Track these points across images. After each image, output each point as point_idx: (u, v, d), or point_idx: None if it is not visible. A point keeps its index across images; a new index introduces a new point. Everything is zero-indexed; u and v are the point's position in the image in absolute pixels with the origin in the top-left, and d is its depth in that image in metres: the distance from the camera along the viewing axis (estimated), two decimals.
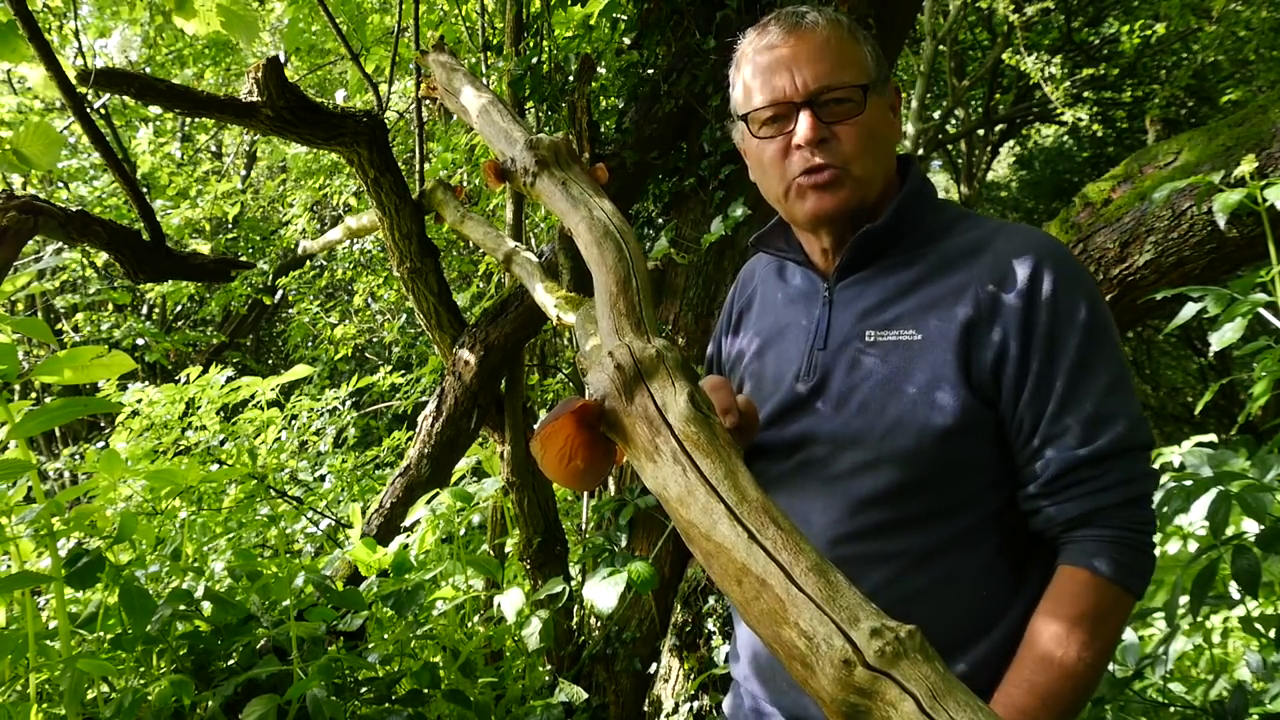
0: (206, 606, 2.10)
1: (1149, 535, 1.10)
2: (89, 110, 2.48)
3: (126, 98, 4.21)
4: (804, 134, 1.16)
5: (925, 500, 1.13)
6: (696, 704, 2.50)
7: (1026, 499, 1.12)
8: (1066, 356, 1.09)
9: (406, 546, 2.31)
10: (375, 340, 7.83)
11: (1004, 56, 8.72)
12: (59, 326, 7.26)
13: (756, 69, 1.21)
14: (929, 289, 1.16)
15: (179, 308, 8.98)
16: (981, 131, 11.07)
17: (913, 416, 1.11)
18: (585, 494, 3.92)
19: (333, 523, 3.50)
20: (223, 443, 3.97)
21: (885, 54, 3.41)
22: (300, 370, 3.52)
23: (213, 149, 10.17)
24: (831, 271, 1.24)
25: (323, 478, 4.82)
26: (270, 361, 10.79)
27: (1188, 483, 1.75)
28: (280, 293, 7.54)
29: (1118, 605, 1.07)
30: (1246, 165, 1.86)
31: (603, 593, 2.03)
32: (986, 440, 1.13)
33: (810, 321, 1.24)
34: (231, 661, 2.08)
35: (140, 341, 7.04)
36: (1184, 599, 1.75)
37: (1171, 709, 2.20)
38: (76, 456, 5.23)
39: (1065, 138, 11.83)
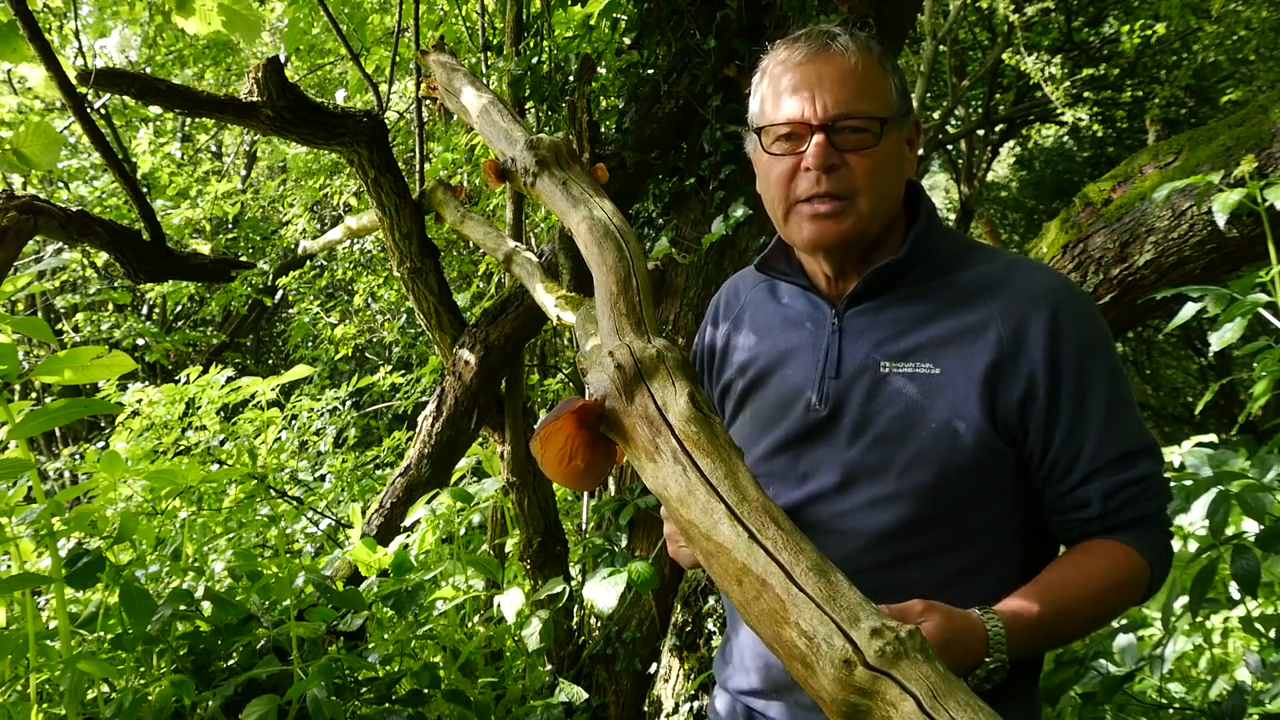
0: (206, 606, 2.10)
1: (1171, 540, 1.20)
2: (89, 110, 2.48)
3: (126, 98, 4.21)
4: (814, 159, 1.15)
5: (941, 532, 1.14)
6: (696, 704, 2.50)
7: (1071, 524, 1.17)
8: (1099, 399, 1.14)
9: (407, 546, 2.31)
10: (375, 340, 7.84)
11: (1004, 56, 8.72)
12: (59, 326, 7.26)
13: (779, 84, 1.20)
14: (946, 322, 1.17)
15: (179, 308, 8.98)
16: (981, 131, 11.06)
17: (933, 452, 1.12)
18: (585, 494, 3.92)
19: (333, 523, 3.50)
20: (223, 443, 3.97)
21: None
22: (300, 370, 3.52)
23: (213, 149, 10.17)
24: (841, 298, 1.23)
25: (323, 478, 4.83)
26: (270, 361, 10.80)
27: (1188, 482, 1.75)
28: (280, 293, 7.54)
29: (1137, 590, 1.15)
30: (1246, 165, 1.86)
31: (603, 593, 2.03)
32: (1005, 474, 1.15)
33: (819, 348, 1.22)
34: (231, 661, 2.08)
35: (140, 341, 7.04)
36: (1182, 599, 1.75)
37: (1171, 709, 2.20)
38: (76, 456, 5.23)
39: (1065, 138, 11.83)
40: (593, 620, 2.88)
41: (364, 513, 3.10)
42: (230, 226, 8.62)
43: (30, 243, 2.74)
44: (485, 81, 3.32)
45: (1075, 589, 1.11)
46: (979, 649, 1.04)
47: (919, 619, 1.02)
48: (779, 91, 1.20)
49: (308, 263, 7.34)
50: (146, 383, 4.99)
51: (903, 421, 1.14)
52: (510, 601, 2.10)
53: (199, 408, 3.99)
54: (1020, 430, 1.14)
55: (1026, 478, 1.16)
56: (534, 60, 3.26)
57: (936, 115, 9.70)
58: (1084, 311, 1.17)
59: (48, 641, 1.90)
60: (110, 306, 7.53)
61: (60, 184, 7.06)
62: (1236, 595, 1.89)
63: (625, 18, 3.46)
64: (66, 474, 5.57)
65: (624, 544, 2.82)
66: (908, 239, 1.20)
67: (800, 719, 1.22)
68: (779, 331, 1.29)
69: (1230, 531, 1.73)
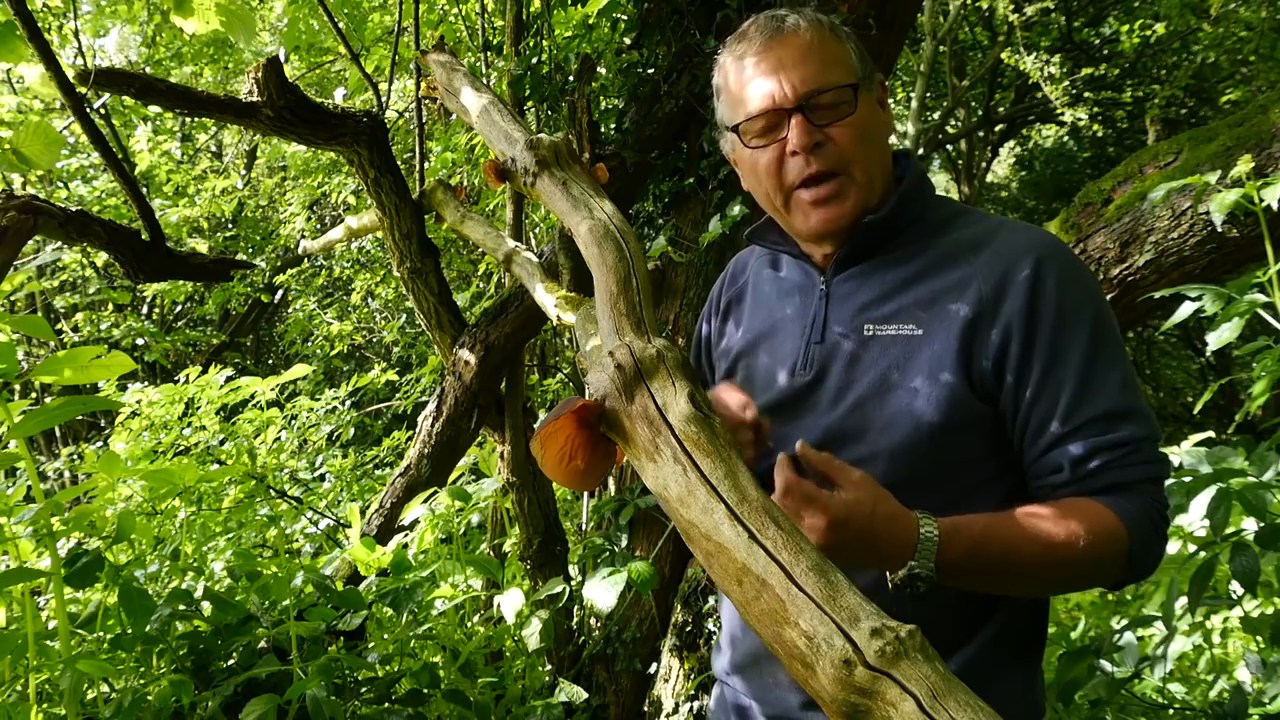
0: (206, 606, 2.10)
1: (1164, 518, 1.10)
2: (88, 110, 2.48)
3: (126, 97, 4.21)
4: (797, 140, 1.14)
5: (920, 498, 1.10)
6: (696, 704, 2.50)
7: (1045, 491, 1.10)
8: (1076, 355, 1.09)
9: (405, 546, 2.31)
10: (375, 340, 7.84)
11: (1003, 56, 8.73)
12: (59, 326, 7.26)
13: (742, 78, 1.19)
14: (928, 283, 1.15)
15: (177, 307, 8.98)
16: (981, 132, 11.07)
17: (908, 411, 1.11)
18: (585, 494, 3.92)
19: (332, 523, 3.50)
20: (222, 443, 3.97)
21: (885, 54, 3.36)
22: (299, 370, 3.53)
23: (213, 149, 10.17)
24: (829, 264, 1.23)
25: (322, 478, 4.83)
26: (270, 361, 10.80)
27: (1187, 479, 1.75)
28: (280, 292, 7.54)
29: (1105, 551, 1.04)
30: (1243, 165, 1.86)
31: (603, 593, 2.03)
32: (982, 436, 1.12)
33: (806, 315, 1.23)
34: (231, 661, 2.08)
35: (140, 341, 7.04)
36: (1183, 600, 1.75)
37: (1171, 710, 2.20)
38: (76, 456, 5.23)
39: (1065, 138, 11.83)
40: (593, 620, 2.88)
41: (363, 513, 3.10)
42: (229, 225, 8.62)
43: (30, 242, 2.73)
44: (485, 81, 3.32)
45: (1029, 525, 1.03)
46: (904, 546, 0.99)
47: (853, 485, 0.98)
48: (743, 85, 1.19)
49: (305, 261, 7.34)
50: (146, 383, 4.99)
51: (882, 383, 1.13)
52: (510, 601, 2.09)
53: (198, 408, 3.99)
54: (995, 386, 1.10)
55: (1003, 444, 1.13)
56: (534, 60, 3.26)
57: (936, 115, 9.70)
58: (1069, 266, 1.13)
59: (47, 641, 1.89)
60: (110, 306, 7.53)
61: (60, 184, 7.05)
62: (1237, 595, 1.88)
63: (625, 18, 3.46)
64: (66, 474, 5.57)
65: (624, 544, 2.82)
66: (891, 198, 1.19)
67: (774, 698, 1.22)
68: (775, 301, 1.30)
69: (1228, 531, 1.73)
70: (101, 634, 1.98)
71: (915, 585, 1.00)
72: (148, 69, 8.00)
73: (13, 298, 6.96)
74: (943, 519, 1.01)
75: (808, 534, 0.97)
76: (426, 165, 3.89)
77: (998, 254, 1.14)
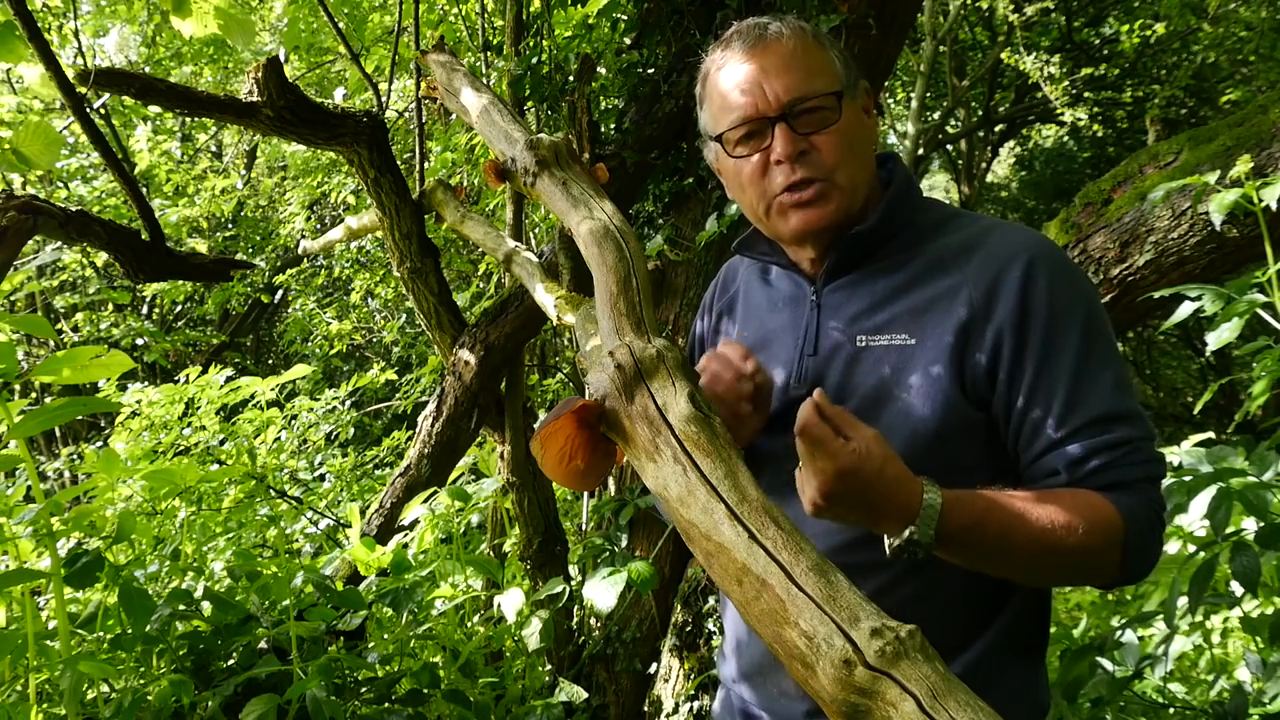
0: (206, 606, 2.10)
1: (1161, 519, 1.10)
2: (88, 110, 2.48)
3: (126, 97, 4.21)
4: (782, 149, 1.14)
5: None
6: (696, 704, 2.50)
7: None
8: (1068, 357, 1.08)
9: (405, 546, 2.31)
10: (375, 340, 7.84)
11: (1003, 56, 8.73)
12: (59, 326, 7.26)
13: (725, 87, 1.19)
14: (920, 292, 1.15)
15: (177, 307, 8.99)
16: (981, 132, 11.07)
17: (904, 420, 1.11)
18: (585, 494, 3.92)
19: (332, 523, 3.50)
20: (222, 443, 3.97)
21: (885, 54, 3.36)
22: (299, 370, 3.52)
23: (213, 149, 10.17)
24: (819, 275, 1.23)
25: (322, 478, 4.83)
26: (270, 361, 10.80)
27: (1187, 479, 1.75)
28: (280, 292, 7.54)
29: (1102, 538, 1.04)
30: (1242, 165, 1.87)
31: (603, 593, 2.03)
32: (977, 442, 1.12)
33: (798, 327, 1.23)
34: (231, 661, 2.08)
35: (140, 341, 7.04)
36: (1183, 600, 1.75)
37: (1171, 709, 2.20)
38: (76, 456, 5.23)
39: (1065, 138, 11.83)
40: (593, 620, 2.88)
41: (363, 513, 3.10)
42: (229, 225, 8.63)
43: (30, 242, 2.73)
44: (485, 81, 3.32)
45: (1030, 505, 1.03)
46: (906, 510, 0.99)
47: (866, 441, 0.98)
48: (726, 94, 1.18)
49: (305, 261, 7.35)
50: (146, 383, 4.99)
51: (877, 393, 1.13)
52: (510, 601, 2.10)
53: (198, 408, 3.99)
54: (988, 390, 1.10)
55: (998, 449, 1.12)
56: (534, 60, 3.26)
57: (936, 115, 9.70)
58: (1061, 267, 1.12)
59: (47, 641, 1.89)
60: (110, 306, 7.53)
61: (60, 184, 7.05)
62: (1237, 595, 1.88)
63: (625, 18, 3.46)
64: (66, 474, 5.57)
65: (624, 544, 2.82)
66: (878, 207, 1.19)
67: (780, 707, 1.22)
68: (765, 313, 1.29)
69: (1229, 531, 1.73)
70: (101, 634, 1.98)
71: (913, 551, 1.00)
72: (148, 69, 8.00)
73: (13, 298, 6.96)
74: (946, 490, 1.01)
75: (814, 476, 0.99)
76: (426, 165, 3.89)
77: (989, 256, 1.13)
